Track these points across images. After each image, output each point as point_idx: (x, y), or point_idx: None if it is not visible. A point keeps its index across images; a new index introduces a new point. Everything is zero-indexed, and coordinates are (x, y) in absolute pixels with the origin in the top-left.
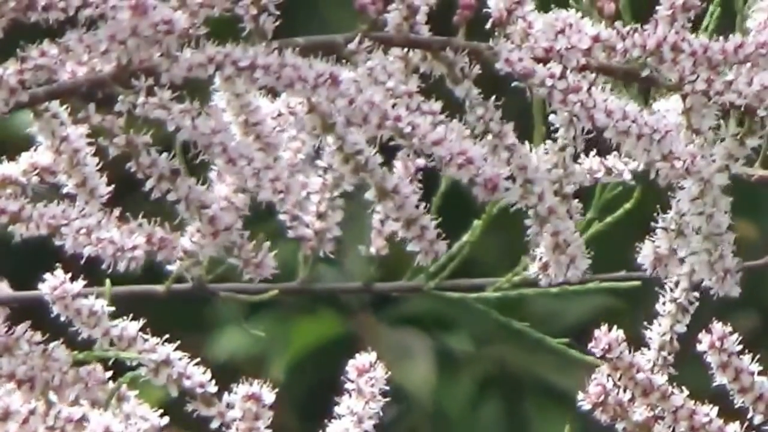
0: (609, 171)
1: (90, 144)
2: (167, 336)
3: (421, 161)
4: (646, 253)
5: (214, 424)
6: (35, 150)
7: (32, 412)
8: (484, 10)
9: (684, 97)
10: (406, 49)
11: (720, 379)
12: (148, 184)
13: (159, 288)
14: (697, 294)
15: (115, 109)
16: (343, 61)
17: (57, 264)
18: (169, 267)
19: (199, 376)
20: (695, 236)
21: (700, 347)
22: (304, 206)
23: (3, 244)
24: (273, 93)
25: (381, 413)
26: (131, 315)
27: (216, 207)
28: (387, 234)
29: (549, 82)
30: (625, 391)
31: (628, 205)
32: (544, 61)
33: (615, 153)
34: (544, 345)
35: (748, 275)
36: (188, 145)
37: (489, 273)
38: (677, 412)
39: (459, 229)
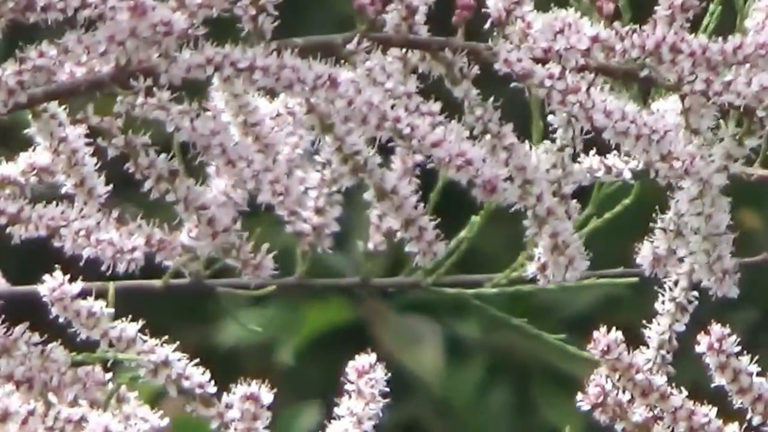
0: (609, 170)
1: (88, 144)
2: (173, 324)
3: (419, 157)
4: (644, 253)
5: (214, 425)
6: (33, 150)
7: (31, 413)
8: (483, 10)
9: (683, 98)
10: (404, 50)
11: (719, 379)
12: (147, 185)
13: (156, 283)
14: (696, 293)
15: (114, 109)
16: (342, 61)
17: (56, 265)
18: (166, 262)
19: (198, 376)
20: (694, 236)
21: (698, 348)
22: (302, 201)
23: (2, 244)
24: (271, 93)
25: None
26: (136, 305)
27: (215, 209)
28: (385, 230)
29: (548, 82)
30: (624, 391)
31: (626, 201)
32: (543, 61)
33: (614, 152)
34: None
35: (748, 270)
36: (187, 146)
37: (492, 264)
38: (676, 412)
39: (458, 221)
